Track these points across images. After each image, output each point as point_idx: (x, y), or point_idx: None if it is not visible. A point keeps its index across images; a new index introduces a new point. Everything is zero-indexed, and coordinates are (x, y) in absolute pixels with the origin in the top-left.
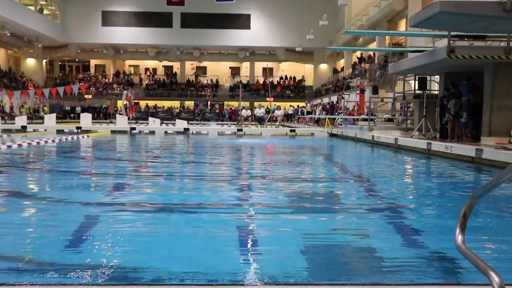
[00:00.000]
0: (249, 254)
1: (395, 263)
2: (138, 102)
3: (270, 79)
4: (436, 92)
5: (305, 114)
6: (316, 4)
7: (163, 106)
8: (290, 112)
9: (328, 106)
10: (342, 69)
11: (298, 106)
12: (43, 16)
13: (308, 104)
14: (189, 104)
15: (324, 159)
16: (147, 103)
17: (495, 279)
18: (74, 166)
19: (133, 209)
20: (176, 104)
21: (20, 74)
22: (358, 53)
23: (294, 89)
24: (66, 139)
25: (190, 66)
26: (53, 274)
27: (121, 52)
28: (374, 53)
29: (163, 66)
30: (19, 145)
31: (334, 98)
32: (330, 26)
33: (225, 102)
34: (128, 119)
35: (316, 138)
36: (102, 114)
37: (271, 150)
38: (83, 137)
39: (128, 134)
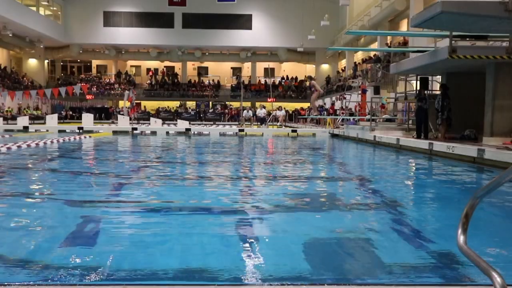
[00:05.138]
0: (250, 254)
1: (396, 263)
2: (140, 103)
3: (272, 79)
4: (437, 92)
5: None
6: (318, 4)
7: (168, 106)
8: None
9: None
10: (344, 69)
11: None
12: (44, 17)
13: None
14: (191, 104)
15: (325, 159)
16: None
17: (497, 279)
18: (76, 166)
19: (133, 210)
20: (177, 104)
21: (22, 75)
22: (360, 57)
23: (296, 89)
24: (68, 139)
25: (191, 67)
26: (53, 274)
27: (123, 52)
28: (376, 53)
29: (164, 66)
30: (19, 146)
31: (334, 99)
32: (332, 26)
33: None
34: (130, 119)
35: (318, 138)
36: (104, 115)
37: (273, 150)
38: (85, 137)
39: (129, 134)
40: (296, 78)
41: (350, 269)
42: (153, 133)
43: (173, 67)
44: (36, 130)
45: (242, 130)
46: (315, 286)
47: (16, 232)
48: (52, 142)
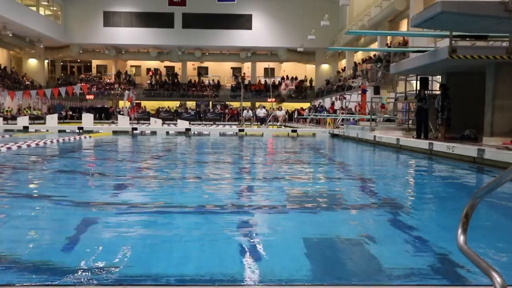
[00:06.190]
0: (250, 254)
1: (396, 263)
2: (140, 103)
3: (272, 79)
4: (437, 92)
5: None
6: (318, 4)
7: (168, 106)
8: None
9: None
10: (344, 69)
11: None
12: (44, 17)
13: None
14: (191, 104)
15: (325, 159)
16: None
17: (497, 279)
18: (76, 166)
19: (134, 210)
20: (177, 104)
21: (22, 75)
22: (360, 57)
23: (296, 89)
24: (68, 139)
25: (191, 67)
26: (53, 275)
27: (123, 52)
28: (376, 53)
29: (164, 66)
30: (19, 146)
31: (334, 99)
32: (332, 26)
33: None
34: (130, 119)
35: (318, 138)
36: (104, 115)
37: (273, 150)
38: (85, 137)
39: (129, 134)
40: (296, 78)
41: (350, 269)
42: (153, 133)
43: (173, 67)
44: (36, 130)
45: (242, 130)
46: (315, 286)
47: (15, 233)
48: (52, 142)
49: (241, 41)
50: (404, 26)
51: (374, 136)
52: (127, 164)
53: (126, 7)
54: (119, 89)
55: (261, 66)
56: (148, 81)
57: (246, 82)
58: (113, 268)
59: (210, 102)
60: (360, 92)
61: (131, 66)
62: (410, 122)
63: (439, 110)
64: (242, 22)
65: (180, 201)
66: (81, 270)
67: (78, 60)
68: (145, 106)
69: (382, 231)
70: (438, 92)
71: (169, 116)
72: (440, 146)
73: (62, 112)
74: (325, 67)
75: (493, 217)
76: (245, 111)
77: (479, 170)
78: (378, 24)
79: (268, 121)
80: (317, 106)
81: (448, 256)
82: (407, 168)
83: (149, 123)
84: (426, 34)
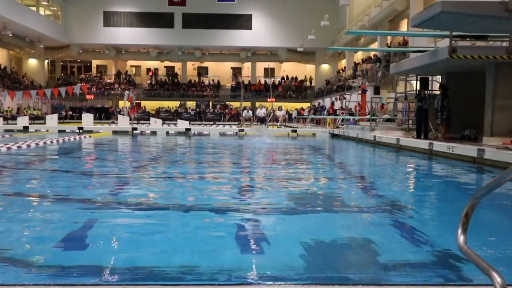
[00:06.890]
0: (250, 254)
1: (396, 263)
2: (140, 103)
3: (272, 79)
4: (437, 92)
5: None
6: (318, 4)
7: (168, 106)
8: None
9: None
10: (344, 69)
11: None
12: (44, 17)
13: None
14: (191, 104)
15: (325, 159)
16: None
17: (497, 279)
18: (77, 166)
19: (133, 209)
20: (177, 104)
21: (22, 75)
22: (360, 57)
23: (296, 89)
24: (68, 139)
25: (191, 67)
26: (53, 274)
27: (123, 52)
28: (376, 53)
29: (164, 66)
30: (19, 146)
31: (334, 99)
32: (332, 26)
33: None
34: (130, 119)
35: (318, 138)
36: (104, 115)
37: (272, 150)
38: (85, 137)
39: (129, 134)
40: (296, 78)
41: (350, 269)
42: (153, 133)
43: (173, 67)
44: (36, 130)
45: (242, 130)
46: (315, 286)
47: (15, 232)
48: (52, 142)
49: (241, 41)
50: (404, 26)
51: (374, 136)
52: (126, 163)
53: (126, 7)
54: (119, 89)
55: (261, 66)
56: (148, 81)
57: (246, 81)
58: (113, 268)
59: (210, 102)
60: (360, 92)
61: (131, 66)
62: (410, 122)
63: (438, 110)
64: (242, 22)
65: (180, 201)
66: (81, 270)
67: (78, 60)
68: (145, 106)
69: (382, 231)
70: (438, 92)
71: (169, 116)
72: (440, 146)
73: (62, 112)
74: (325, 67)
75: (493, 217)
76: (245, 111)
77: (479, 170)
78: (378, 24)
79: (268, 121)
80: (317, 106)
81: (448, 256)
82: (407, 168)
83: (149, 123)
84: (426, 34)
